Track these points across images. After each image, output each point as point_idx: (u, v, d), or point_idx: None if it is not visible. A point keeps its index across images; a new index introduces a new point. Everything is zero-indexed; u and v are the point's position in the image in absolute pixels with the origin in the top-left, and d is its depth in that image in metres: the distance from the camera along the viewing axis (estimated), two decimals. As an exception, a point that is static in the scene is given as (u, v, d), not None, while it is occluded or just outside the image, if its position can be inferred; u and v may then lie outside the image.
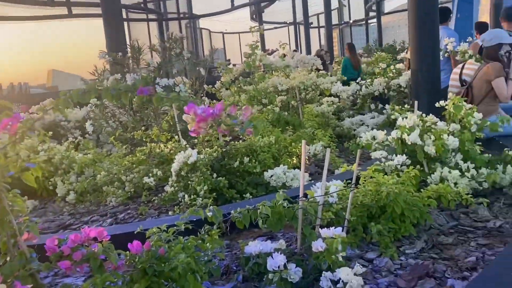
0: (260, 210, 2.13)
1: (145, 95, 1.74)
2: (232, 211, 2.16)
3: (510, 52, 3.81)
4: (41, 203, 3.69)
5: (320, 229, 2.20)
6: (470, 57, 4.25)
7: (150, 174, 3.25)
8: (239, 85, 5.01)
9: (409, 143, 2.84)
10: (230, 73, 5.08)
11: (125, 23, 18.77)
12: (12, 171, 1.81)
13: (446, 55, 4.64)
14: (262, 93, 4.53)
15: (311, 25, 26.91)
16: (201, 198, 2.91)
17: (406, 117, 3.09)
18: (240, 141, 3.49)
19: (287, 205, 2.18)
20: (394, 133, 2.94)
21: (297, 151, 3.75)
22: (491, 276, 1.63)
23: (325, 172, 2.35)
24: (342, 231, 1.98)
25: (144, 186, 3.33)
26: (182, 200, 2.94)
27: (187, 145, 3.49)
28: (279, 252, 1.99)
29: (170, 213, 2.90)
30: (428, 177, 2.86)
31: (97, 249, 1.56)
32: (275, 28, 33.92)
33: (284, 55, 4.97)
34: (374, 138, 3.26)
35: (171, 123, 3.73)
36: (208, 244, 1.88)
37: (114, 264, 1.57)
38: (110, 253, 1.57)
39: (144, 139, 3.65)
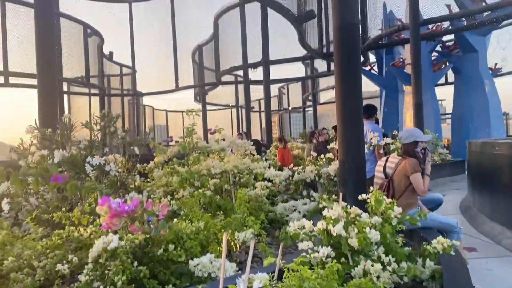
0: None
1: (59, 183, 1.66)
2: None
3: (425, 149, 4.14)
4: None
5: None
6: (393, 151, 4.57)
7: (65, 261, 2.99)
8: (172, 166, 4.96)
9: (334, 234, 2.88)
10: (164, 154, 5.05)
11: (66, 96, 18.50)
12: None
13: (371, 148, 4.95)
14: (195, 175, 4.50)
15: (253, 109, 27.99)
16: (119, 289, 2.70)
17: (331, 208, 3.18)
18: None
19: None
20: (320, 224, 2.98)
21: (228, 238, 3.67)
22: None
23: (248, 265, 2.29)
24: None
25: (57, 273, 3.05)
26: (100, 291, 2.71)
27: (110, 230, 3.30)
28: None
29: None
30: (352, 270, 2.88)
31: None
32: (218, 109, 34.88)
33: (220, 139, 5.07)
34: (302, 227, 3.28)
35: (95, 205, 3.55)
36: None
37: None
38: None
39: (64, 221, 3.42)
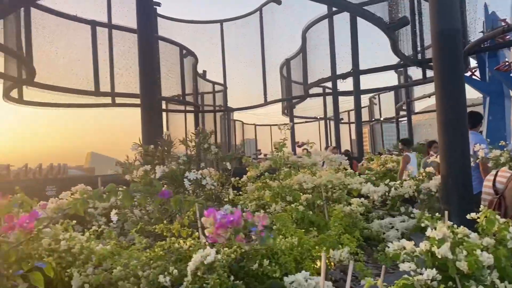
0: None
1: (165, 198, 1.74)
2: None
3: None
4: (54, 294, 3.59)
5: None
6: (503, 164, 4.14)
7: (166, 272, 3.14)
8: (264, 181, 5.01)
9: (439, 256, 2.66)
10: (256, 169, 5.12)
11: (164, 113, 19.78)
12: (22, 269, 1.78)
13: (477, 161, 4.53)
14: (286, 190, 4.49)
15: (342, 121, 27.50)
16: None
17: (435, 228, 2.95)
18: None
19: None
20: (423, 245, 2.77)
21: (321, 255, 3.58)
22: None
23: (347, 286, 2.21)
24: None
25: (159, 285, 3.21)
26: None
27: (207, 243, 3.40)
28: None
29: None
30: (463, 295, 2.63)
31: None
32: (306, 122, 34.76)
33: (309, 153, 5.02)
34: (403, 248, 3.09)
35: (193, 218, 3.70)
36: None
37: None
38: None
39: (165, 233, 3.60)
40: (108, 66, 15.82)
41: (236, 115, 33.62)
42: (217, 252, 3.10)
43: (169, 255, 3.36)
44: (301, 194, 4.56)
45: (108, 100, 16.22)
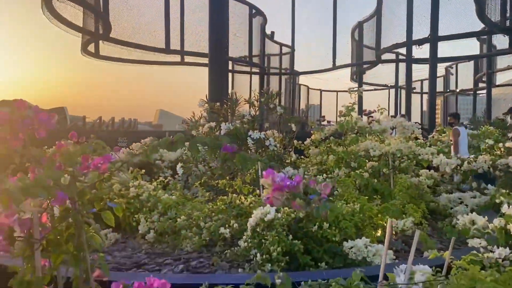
0: None
1: (229, 153, 1.74)
2: (303, 282, 2.02)
3: None
4: (123, 237, 3.84)
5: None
6: None
7: (227, 225, 3.22)
8: (328, 145, 4.90)
9: (515, 235, 2.48)
10: (321, 132, 5.02)
11: (230, 74, 19.93)
12: (95, 208, 1.88)
13: None
14: (351, 156, 4.36)
15: (414, 90, 26.14)
16: (274, 260, 2.80)
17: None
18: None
19: (364, 287, 1.98)
20: (497, 221, 2.59)
21: (384, 223, 3.49)
22: None
23: (411, 257, 2.12)
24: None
25: (220, 236, 3.31)
26: (254, 258, 2.85)
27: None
28: None
29: (240, 270, 2.82)
30: (538, 279, 2.44)
31: (157, 302, 1.52)
32: (375, 90, 33.48)
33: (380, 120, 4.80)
34: (473, 222, 2.92)
35: (255, 176, 3.73)
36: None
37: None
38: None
39: (227, 189, 3.68)
40: (179, 24, 16.05)
41: (301, 80, 33.04)
42: (277, 211, 3.12)
43: (230, 210, 3.43)
44: (366, 161, 4.42)
45: (177, 58, 16.56)
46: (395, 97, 30.11)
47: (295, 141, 5.22)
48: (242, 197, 3.48)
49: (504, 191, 3.31)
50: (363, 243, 3.04)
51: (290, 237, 3.03)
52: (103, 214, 1.86)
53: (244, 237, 3.04)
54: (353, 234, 3.16)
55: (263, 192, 3.66)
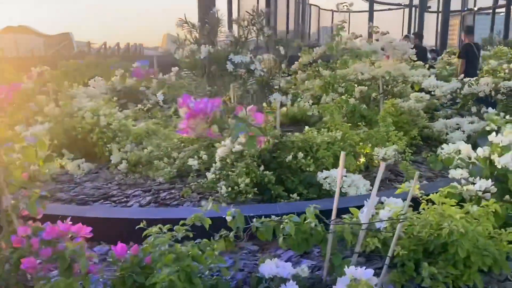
0: (283, 226, 1.79)
1: (143, 79, 1.48)
2: (254, 219, 1.86)
3: None
4: (97, 167, 3.71)
5: (357, 259, 1.82)
6: None
7: (196, 157, 3.05)
8: (316, 69, 4.56)
9: (499, 166, 2.25)
10: (309, 55, 4.65)
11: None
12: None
13: None
14: (339, 80, 4.04)
15: (429, 9, 24.74)
16: (243, 192, 2.65)
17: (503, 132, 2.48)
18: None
19: (317, 224, 1.81)
20: (481, 151, 2.35)
21: (367, 151, 3.29)
22: None
23: (374, 190, 1.92)
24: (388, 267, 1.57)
25: (190, 167, 3.16)
26: (220, 190, 2.70)
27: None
28: (295, 282, 1.65)
29: (203, 202, 2.68)
30: (519, 212, 2.26)
31: (66, 248, 1.36)
32: (389, 9, 31.80)
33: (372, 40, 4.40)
34: (459, 151, 2.68)
35: (228, 104, 3.49)
36: (208, 259, 1.60)
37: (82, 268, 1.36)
38: (80, 255, 1.36)
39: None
40: None
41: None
42: (248, 140, 2.91)
43: (202, 140, 3.24)
44: (356, 86, 4.11)
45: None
46: (409, 18, 28.58)
47: (283, 66, 4.88)
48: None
49: (496, 117, 3.03)
50: (335, 174, 2.86)
51: (262, 168, 2.86)
52: (23, 152, 1.65)
53: (212, 168, 2.87)
54: (330, 164, 2.97)
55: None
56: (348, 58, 4.44)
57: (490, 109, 4.58)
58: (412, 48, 4.40)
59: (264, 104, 4.09)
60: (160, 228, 1.62)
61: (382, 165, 1.85)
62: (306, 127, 3.18)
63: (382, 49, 4.23)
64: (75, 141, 3.81)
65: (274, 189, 2.81)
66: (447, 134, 4.42)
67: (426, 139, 4.49)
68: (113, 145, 3.58)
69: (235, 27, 5.20)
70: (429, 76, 4.04)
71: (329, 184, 2.83)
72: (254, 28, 4.88)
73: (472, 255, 1.81)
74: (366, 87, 4.08)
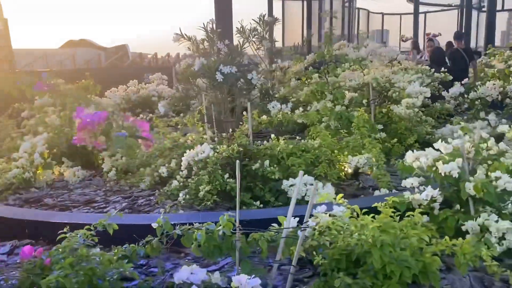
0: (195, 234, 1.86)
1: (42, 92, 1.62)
2: (178, 226, 1.94)
3: None
4: (92, 174, 3.94)
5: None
6: None
7: (167, 165, 3.17)
8: (308, 76, 4.55)
9: (442, 174, 2.17)
10: (300, 63, 4.65)
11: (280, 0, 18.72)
12: None
13: None
14: (327, 87, 4.01)
15: (483, 9, 23.60)
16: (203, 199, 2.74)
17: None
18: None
19: (228, 232, 1.86)
20: (424, 159, 2.29)
21: (343, 160, 3.26)
22: None
23: (293, 201, 1.95)
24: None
25: (173, 173, 3.27)
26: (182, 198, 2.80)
27: (216, 138, 3.31)
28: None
29: (160, 210, 2.78)
30: (469, 222, 2.16)
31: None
32: (442, 10, 30.58)
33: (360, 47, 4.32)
34: (418, 160, 2.61)
35: (203, 113, 3.59)
36: (111, 263, 1.69)
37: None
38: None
39: (179, 126, 3.59)
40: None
41: (359, 3, 30.73)
42: (214, 149, 2.99)
43: (177, 149, 3.36)
44: (346, 93, 4.05)
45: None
46: (460, 18, 27.38)
47: (278, 73, 4.91)
48: (191, 136, 3.38)
49: (480, 122, 2.89)
50: (304, 182, 2.87)
51: (226, 176, 2.93)
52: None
53: (178, 177, 2.98)
54: (297, 172, 2.98)
55: (208, 130, 3.51)
56: (342, 65, 4.38)
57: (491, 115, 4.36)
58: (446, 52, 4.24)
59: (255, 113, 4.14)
60: (65, 232, 1.73)
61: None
62: (272, 135, 3.20)
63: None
64: (76, 149, 4.07)
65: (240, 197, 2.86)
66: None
67: (427, 145, 4.35)
68: (105, 153, 3.79)
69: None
70: (415, 81, 3.90)
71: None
72: (254, 39, 4.98)
73: (388, 265, 1.78)
74: (356, 94, 4.02)
